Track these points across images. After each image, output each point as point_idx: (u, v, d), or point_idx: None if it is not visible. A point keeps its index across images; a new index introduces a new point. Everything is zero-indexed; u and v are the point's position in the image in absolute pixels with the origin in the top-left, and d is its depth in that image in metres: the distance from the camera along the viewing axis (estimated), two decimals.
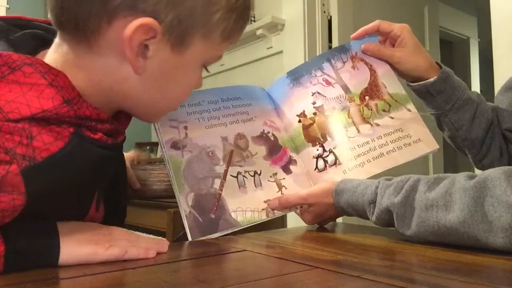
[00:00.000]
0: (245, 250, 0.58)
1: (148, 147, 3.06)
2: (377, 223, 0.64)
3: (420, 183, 0.59)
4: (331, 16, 2.19)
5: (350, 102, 0.82)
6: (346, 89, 0.83)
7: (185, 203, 0.69)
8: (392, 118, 0.80)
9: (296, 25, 2.16)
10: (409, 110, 0.81)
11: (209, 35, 0.54)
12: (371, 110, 0.81)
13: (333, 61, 0.86)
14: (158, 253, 0.56)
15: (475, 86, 4.00)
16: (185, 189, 0.70)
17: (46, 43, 0.56)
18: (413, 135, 0.78)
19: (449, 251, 0.55)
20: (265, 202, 0.73)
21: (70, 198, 0.54)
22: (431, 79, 0.81)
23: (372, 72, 0.84)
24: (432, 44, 2.64)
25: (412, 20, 2.57)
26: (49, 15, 0.52)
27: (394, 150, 0.77)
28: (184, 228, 0.70)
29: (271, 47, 2.28)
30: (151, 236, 0.64)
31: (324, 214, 0.76)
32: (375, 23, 0.85)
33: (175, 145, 0.73)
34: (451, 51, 4.10)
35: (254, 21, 2.36)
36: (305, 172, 0.79)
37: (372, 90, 0.83)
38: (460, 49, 4.09)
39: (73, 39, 0.51)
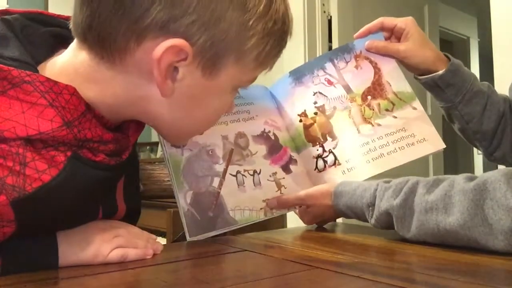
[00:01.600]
0: (245, 250, 0.58)
1: (148, 147, 3.06)
2: (376, 225, 0.64)
3: (419, 185, 0.59)
4: (331, 16, 2.19)
5: (351, 102, 0.82)
6: (348, 89, 0.83)
7: (183, 201, 0.69)
8: (395, 117, 0.79)
9: (296, 25, 2.14)
10: (415, 109, 0.80)
11: (242, 60, 0.51)
12: (373, 110, 0.80)
13: (336, 61, 0.85)
14: (155, 254, 0.56)
15: None
16: (184, 187, 0.70)
17: (66, 41, 0.53)
18: (417, 134, 0.77)
19: (449, 251, 0.55)
20: (263, 201, 0.73)
21: (67, 218, 0.52)
22: (440, 72, 0.80)
23: (377, 70, 0.83)
24: None
25: None
26: (72, 27, 0.50)
27: (395, 150, 0.76)
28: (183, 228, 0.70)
29: None
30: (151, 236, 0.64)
31: (323, 215, 0.76)
32: (378, 20, 0.85)
33: None
34: (451, 51, 4.09)
35: None
36: (305, 172, 0.79)
37: (375, 90, 0.82)
38: (460, 49, 4.09)
39: (96, 53, 0.48)
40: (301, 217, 0.78)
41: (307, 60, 2.10)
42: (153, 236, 0.61)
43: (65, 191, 0.47)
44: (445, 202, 0.55)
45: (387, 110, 0.80)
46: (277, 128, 0.81)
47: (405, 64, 0.83)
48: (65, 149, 0.47)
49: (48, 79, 0.45)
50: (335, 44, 2.15)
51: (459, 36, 3.98)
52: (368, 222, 0.66)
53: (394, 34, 0.84)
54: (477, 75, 4.30)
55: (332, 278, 0.44)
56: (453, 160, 3.43)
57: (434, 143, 0.77)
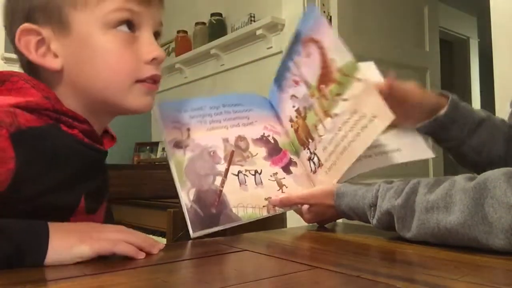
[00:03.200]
0: (245, 250, 0.58)
1: (148, 147, 3.06)
2: (378, 226, 0.64)
3: (420, 185, 0.59)
4: (331, 16, 2.19)
5: (312, 98, 0.77)
6: (307, 84, 0.78)
7: (186, 198, 0.69)
8: (345, 100, 0.71)
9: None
10: (359, 80, 0.69)
11: (79, 0, 0.57)
12: (328, 99, 0.74)
13: (294, 56, 0.82)
14: (155, 254, 0.56)
15: (475, 86, 4.00)
16: (187, 185, 0.70)
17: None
18: (367, 112, 0.68)
19: (449, 251, 0.55)
20: (266, 199, 0.74)
21: (53, 186, 0.54)
22: (443, 111, 0.77)
23: (321, 50, 0.74)
24: (432, 44, 2.64)
25: (412, 20, 2.57)
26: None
27: (353, 139, 0.69)
28: (184, 228, 0.70)
29: (271, 47, 2.28)
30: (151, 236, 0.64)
31: (324, 215, 0.76)
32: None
33: (177, 145, 0.74)
34: (451, 51, 4.09)
35: (254, 21, 2.36)
36: (305, 174, 0.79)
37: (325, 75, 0.74)
38: (460, 49, 4.09)
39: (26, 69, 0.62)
40: (302, 216, 0.78)
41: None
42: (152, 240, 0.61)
43: (49, 142, 0.54)
44: (446, 201, 0.55)
45: (337, 94, 0.72)
46: (276, 133, 0.82)
47: (410, 108, 0.77)
48: (47, 119, 0.55)
49: (28, 75, 0.59)
50: None
51: (459, 36, 3.98)
52: (370, 223, 0.66)
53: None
54: (477, 75, 4.29)
55: (332, 278, 0.44)
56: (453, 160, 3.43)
57: (382, 116, 0.66)
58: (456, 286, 0.40)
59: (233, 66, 2.53)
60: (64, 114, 0.57)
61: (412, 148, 0.79)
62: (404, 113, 0.74)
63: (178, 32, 2.86)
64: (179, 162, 0.72)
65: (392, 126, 0.70)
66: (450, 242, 0.56)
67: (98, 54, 0.59)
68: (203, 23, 2.70)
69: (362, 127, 0.68)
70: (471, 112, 0.79)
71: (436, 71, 2.63)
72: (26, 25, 0.58)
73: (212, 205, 0.70)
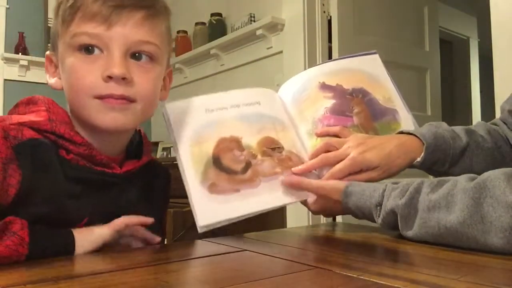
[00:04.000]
0: (245, 250, 0.58)
1: None
2: (383, 225, 0.64)
3: (424, 185, 0.60)
4: (331, 16, 2.19)
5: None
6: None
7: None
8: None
9: (296, 25, 2.16)
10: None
11: (60, 30, 0.64)
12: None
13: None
14: (155, 253, 0.56)
15: (475, 86, 4.00)
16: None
17: None
18: None
19: (449, 251, 0.55)
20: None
21: (54, 196, 0.59)
22: (419, 160, 0.75)
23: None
24: (432, 44, 2.64)
25: (412, 20, 2.57)
26: None
27: None
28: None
29: (271, 47, 2.28)
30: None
31: (330, 209, 0.76)
32: (329, 176, 0.73)
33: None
34: (451, 51, 4.09)
35: (254, 21, 2.36)
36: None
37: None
38: (460, 49, 4.09)
39: None
40: (309, 205, 0.77)
41: (306, 60, 2.10)
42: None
43: (47, 156, 0.59)
44: (447, 201, 0.55)
45: None
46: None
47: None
48: (48, 139, 0.61)
49: (52, 100, 0.66)
50: (334, 44, 2.16)
51: (459, 36, 3.98)
52: (376, 222, 0.66)
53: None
54: (477, 75, 4.28)
55: (332, 278, 0.44)
56: None
57: None
58: (456, 286, 0.40)
59: (233, 66, 2.53)
60: (61, 137, 0.61)
61: None
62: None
63: (178, 32, 2.86)
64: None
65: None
66: (450, 242, 0.56)
67: (67, 74, 0.64)
68: (203, 23, 2.70)
69: None
70: (450, 144, 0.76)
71: (436, 71, 2.63)
72: (47, 53, 0.69)
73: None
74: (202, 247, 0.64)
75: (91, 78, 0.61)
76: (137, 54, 0.64)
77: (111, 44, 0.61)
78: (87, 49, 0.62)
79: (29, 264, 0.50)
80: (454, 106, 3.82)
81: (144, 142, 0.73)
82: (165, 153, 2.90)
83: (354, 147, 0.73)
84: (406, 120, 0.84)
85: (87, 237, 0.59)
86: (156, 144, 3.01)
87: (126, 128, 0.66)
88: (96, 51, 0.62)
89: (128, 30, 0.62)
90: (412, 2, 2.57)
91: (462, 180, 0.56)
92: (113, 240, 0.61)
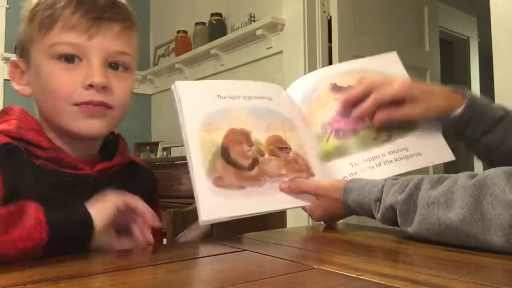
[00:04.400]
0: (245, 250, 0.58)
1: (147, 147, 3.07)
2: (383, 221, 0.65)
3: (424, 182, 0.60)
4: (331, 16, 2.19)
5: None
6: None
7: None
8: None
9: (296, 25, 2.16)
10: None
11: (34, 37, 0.65)
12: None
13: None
14: (155, 253, 0.56)
15: (475, 86, 4.00)
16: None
17: None
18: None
19: (449, 250, 0.55)
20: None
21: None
22: (459, 111, 0.76)
23: None
24: (432, 44, 2.64)
25: (412, 20, 2.57)
26: None
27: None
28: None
29: (271, 47, 2.28)
30: None
31: (331, 210, 0.75)
32: (372, 99, 0.77)
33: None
34: (451, 51, 4.09)
35: (254, 21, 2.36)
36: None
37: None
38: (460, 49, 4.09)
39: None
40: (311, 213, 0.78)
41: (306, 60, 2.10)
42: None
43: (22, 158, 0.61)
44: (447, 198, 0.55)
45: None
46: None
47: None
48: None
49: (23, 110, 0.67)
50: (334, 44, 2.16)
51: (459, 36, 3.98)
52: (375, 218, 0.66)
53: (395, 100, 0.79)
54: (477, 75, 4.28)
55: (332, 278, 0.44)
56: (453, 160, 3.43)
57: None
58: (456, 286, 0.40)
59: (233, 66, 2.53)
60: (29, 143, 0.63)
61: (433, 151, 0.79)
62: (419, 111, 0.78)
63: (178, 32, 2.87)
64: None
65: (411, 126, 0.78)
66: (449, 239, 0.56)
67: (44, 81, 0.65)
68: (203, 23, 2.70)
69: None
70: (489, 110, 0.77)
71: (436, 71, 2.63)
72: (12, 58, 0.69)
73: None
74: (202, 247, 0.64)
75: (71, 86, 0.64)
76: (113, 64, 0.67)
77: (91, 54, 0.64)
78: (67, 58, 0.64)
79: (29, 264, 0.50)
80: None
81: (119, 143, 0.74)
82: (165, 153, 2.90)
83: (399, 80, 0.77)
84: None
85: (101, 209, 0.59)
86: (156, 144, 3.02)
87: (101, 134, 0.69)
88: (76, 60, 0.65)
89: (107, 41, 0.65)
90: (412, 2, 2.57)
91: (462, 178, 0.56)
92: (119, 214, 0.61)
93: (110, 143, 0.74)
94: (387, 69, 0.86)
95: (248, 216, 0.67)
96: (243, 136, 0.72)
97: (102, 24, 0.65)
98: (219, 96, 0.73)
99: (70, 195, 0.63)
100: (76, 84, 0.64)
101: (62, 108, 0.64)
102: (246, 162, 0.70)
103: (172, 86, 0.71)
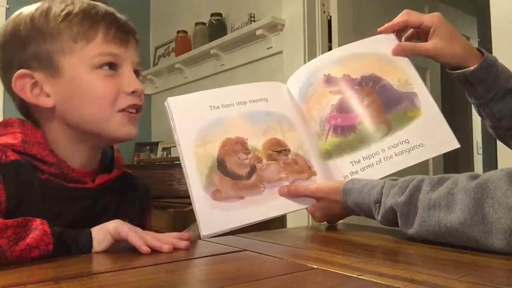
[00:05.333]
0: (245, 250, 0.58)
1: (148, 147, 3.06)
2: (383, 222, 0.65)
3: (424, 183, 0.60)
4: (331, 16, 2.19)
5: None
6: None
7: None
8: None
9: (296, 25, 2.16)
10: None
11: (67, 48, 0.67)
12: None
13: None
14: (155, 253, 0.56)
15: None
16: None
17: None
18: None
19: (449, 251, 0.55)
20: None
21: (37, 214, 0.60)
22: (471, 68, 0.78)
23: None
24: None
25: None
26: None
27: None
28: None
29: (271, 47, 2.28)
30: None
31: (332, 211, 0.75)
32: (403, 17, 0.83)
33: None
34: None
35: (254, 21, 2.36)
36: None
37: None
38: None
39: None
40: (312, 214, 0.78)
41: (306, 60, 2.10)
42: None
43: (27, 176, 0.62)
44: (448, 200, 0.55)
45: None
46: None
47: (436, 60, 0.81)
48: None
49: (25, 121, 0.69)
50: (335, 44, 2.15)
51: None
52: (375, 219, 0.66)
53: (420, 30, 0.82)
54: None
55: (332, 278, 0.44)
56: (453, 160, 3.43)
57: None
58: (456, 286, 0.40)
59: (233, 66, 2.53)
60: (33, 158, 0.64)
61: (436, 140, 0.76)
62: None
63: (178, 32, 2.86)
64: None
65: (413, 116, 0.78)
66: (450, 241, 0.56)
67: (86, 90, 0.67)
68: (203, 23, 2.70)
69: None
70: (505, 78, 0.78)
71: (436, 71, 2.63)
72: (21, 70, 0.67)
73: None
74: (202, 247, 0.64)
75: (115, 92, 0.68)
76: (136, 73, 0.73)
77: (126, 63, 0.70)
78: (111, 66, 0.68)
79: (29, 264, 0.50)
80: (454, 106, 3.82)
81: (116, 156, 0.77)
82: (165, 153, 2.90)
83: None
84: (427, 103, 0.80)
85: (101, 233, 0.61)
86: (156, 144, 3.01)
87: (135, 138, 0.73)
88: (117, 68, 0.69)
89: (133, 52, 0.72)
90: (412, 2, 2.57)
91: (462, 179, 0.56)
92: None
93: (108, 154, 0.77)
94: (381, 51, 0.84)
95: (248, 225, 0.68)
96: (239, 145, 0.72)
97: (130, 38, 0.71)
98: (212, 107, 0.74)
99: (71, 208, 0.66)
100: (120, 91, 0.68)
101: (107, 115, 0.68)
102: (243, 171, 0.70)
103: (165, 102, 0.73)
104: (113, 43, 0.69)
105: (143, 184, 0.84)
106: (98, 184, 0.70)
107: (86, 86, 0.67)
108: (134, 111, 0.70)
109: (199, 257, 0.57)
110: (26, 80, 0.67)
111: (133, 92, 0.69)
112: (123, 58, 0.70)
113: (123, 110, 0.69)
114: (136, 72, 0.73)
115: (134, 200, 0.77)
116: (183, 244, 0.61)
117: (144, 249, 0.58)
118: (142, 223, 0.80)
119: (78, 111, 0.68)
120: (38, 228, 0.54)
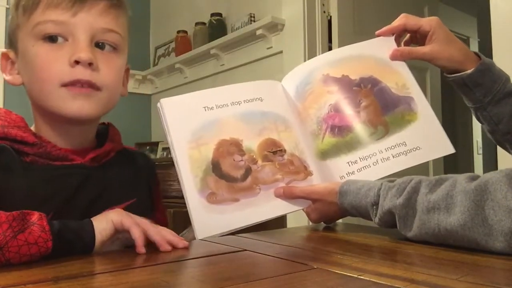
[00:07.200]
0: (245, 250, 0.58)
1: (147, 147, 3.06)
2: (380, 224, 0.64)
3: (421, 185, 0.59)
4: (331, 16, 2.19)
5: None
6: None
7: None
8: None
9: (296, 25, 2.16)
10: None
11: (20, 22, 0.64)
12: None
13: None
14: (155, 253, 0.56)
15: None
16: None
17: None
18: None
19: (449, 251, 0.55)
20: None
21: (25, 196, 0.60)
22: (468, 71, 0.78)
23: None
24: None
25: None
26: None
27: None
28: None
29: (271, 47, 2.28)
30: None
31: (328, 212, 0.75)
32: (401, 21, 0.83)
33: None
34: None
35: (254, 21, 2.36)
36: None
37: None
38: None
39: None
40: (308, 215, 0.78)
41: (306, 60, 2.10)
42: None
43: (9, 157, 0.61)
44: (447, 202, 0.55)
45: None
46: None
47: (433, 64, 0.81)
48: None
49: (8, 111, 0.67)
50: (334, 44, 2.15)
51: (459, 36, 3.97)
52: (372, 221, 0.66)
53: (418, 34, 0.83)
54: None
55: (332, 278, 0.44)
56: (453, 160, 3.43)
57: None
58: (456, 286, 0.40)
59: (233, 66, 2.53)
60: (14, 140, 0.62)
61: (432, 144, 0.77)
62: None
63: (178, 32, 2.86)
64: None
65: (410, 119, 0.78)
66: (450, 243, 0.56)
67: (30, 65, 0.64)
68: (203, 23, 2.70)
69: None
70: (502, 82, 0.78)
71: (436, 71, 2.63)
72: (2, 50, 0.68)
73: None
74: (202, 247, 0.64)
75: (58, 66, 0.62)
76: (100, 43, 0.66)
77: (76, 31, 0.63)
78: (51, 38, 0.63)
79: (29, 264, 0.50)
80: (454, 106, 3.82)
81: (110, 130, 0.74)
82: (165, 153, 2.90)
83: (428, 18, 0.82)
84: (424, 108, 0.79)
85: (103, 222, 0.58)
86: (156, 144, 3.01)
87: (90, 117, 0.67)
88: (60, 39, 0.63)
89: (92, 17, 0.64)
90: (412, 2, 2.57)
91: (461, 181, 0.55)
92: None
93: (103, 134, 0.74)
94: (380, 54, 0.84)
95: (244, 227, 0.67)
96: (234, 146, 0.71)
97: (87, 1, 0.63)
98: (206, 108, 0.72)
99: (61, 188, 0.63)
100: (62, 63, 0.62)
101: (52, 90, 0.63)
102: (238, 173, 0.69)
103: (158, 104, 0.70)
104: (58, 9, 0.62)
105: (147, 159, 0.80)
106: (89, 159, 0.67)
107: (31, 61, 0.64)
108: (80, 85, 0.63)
109: (199, 257, 0.57)
110: (4, 59, 0.68)
111: (76, 62, 0.62)
112: (72, 26, 0.63)
113: (66, 84, 0.63)
114: (103, 43, 0.66)
115: (138, 176, 0.74)
116: (182, 244, 0.60)
117: (141, 250, 0.57)
118: (152, 200, 0.77)
119: (32, 88, 0.66)
120: (36, 223, 0.52)
